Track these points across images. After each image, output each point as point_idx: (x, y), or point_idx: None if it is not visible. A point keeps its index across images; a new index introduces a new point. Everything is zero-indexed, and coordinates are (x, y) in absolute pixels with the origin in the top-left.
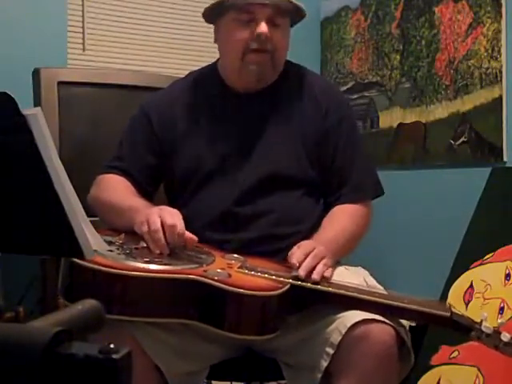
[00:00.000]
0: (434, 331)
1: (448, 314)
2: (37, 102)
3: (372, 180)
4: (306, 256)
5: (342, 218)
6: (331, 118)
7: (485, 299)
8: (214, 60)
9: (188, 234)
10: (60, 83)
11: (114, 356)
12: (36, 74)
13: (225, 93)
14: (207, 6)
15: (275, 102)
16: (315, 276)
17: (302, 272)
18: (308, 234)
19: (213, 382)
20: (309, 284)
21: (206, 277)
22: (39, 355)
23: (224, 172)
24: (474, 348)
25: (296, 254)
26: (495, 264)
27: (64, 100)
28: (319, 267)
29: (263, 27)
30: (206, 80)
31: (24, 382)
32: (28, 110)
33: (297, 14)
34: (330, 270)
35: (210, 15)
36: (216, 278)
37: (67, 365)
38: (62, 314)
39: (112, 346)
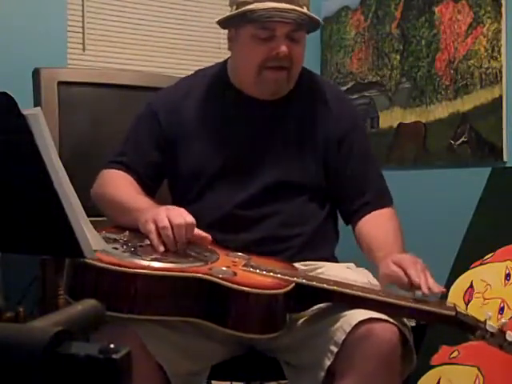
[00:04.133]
0: (434, 331)
1: (453, 314)
2: (37, 102)
3: (386, 186)
4: (417, 271)
5: (388, 224)
6: (344, 124)
7: (485, 299)
8: (214, 60)
9: (201, 232)
10: (60, 83)
11: (114, 356)
12: (36, 73)
13: (234, 95)
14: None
15: (286, 108)
16: (437, 290)
17: (427, 290)
18: (310, 236)
19: (213, 381)
20: (314, 282)
21: (211, 275)
22: (39, 355)
23: (230, 175)
24: (474, 348)
25: (412, 272)
26: (495, 264)
27: (64, 100)
28: (432, 281)
29: (283, 47)
30: (214, 80)
31: (24, 382)
32: (28, 110)
33: (313, 24)
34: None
35: (227, 23)
36: (221, 276)
37: (67, 365)
38: (62, 313)
39: (112, 345)
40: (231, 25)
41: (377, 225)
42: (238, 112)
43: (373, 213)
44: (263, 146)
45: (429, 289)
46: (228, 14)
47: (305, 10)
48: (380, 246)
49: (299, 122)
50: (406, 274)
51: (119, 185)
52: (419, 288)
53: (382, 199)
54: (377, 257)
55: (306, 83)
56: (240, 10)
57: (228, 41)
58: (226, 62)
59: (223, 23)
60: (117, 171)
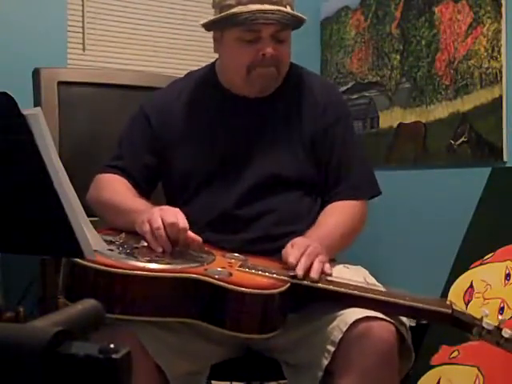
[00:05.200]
0: (434, 331)
1: (449, 311)
2: (37, 102)
3: (368, 180)
4: (302, 254)
5: (336, 214)
6: (328, 117)
7: (485, 299)
8: (214, 60)
9: (192, 235)
10: (60, 83)
11: (114, 356)
12: (36, 73)
13: (224, 95)
14: (209, 16)
15: (274, 104)
16: (314, 275)
17: (300, 272)
18: (306, 232)
19: (212, 381)
20: (310, 282)
21: (206, 275)
22: (39, 355)
23: (223, 174)
24: (474, 348)
25: (292, 252)
26: (495, 264)
27: (64, 100)
28: (316, 265)
29: (269, 48)
30: (204, 81)
31: (24, 382)
32: (28, 110)
33: (298, 22)
34: (328, 265)
35: (212, 26)
36: (217, 276)
37: (67, 365)
38: (62, 313)
39: (112, 345)
40: (216, 27)
41: (326, 215)
42: (227, 111)
43: (334, 203)
44: (253, 144)
45: (307, 272)
46: (212, 17)
47: (288, 9)
48: (311, 233)
49: (288, 117)
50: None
51: (115, 188)
52: (293, 268)
53: (353, 192)
54: None
55: (294, 79)
56: (224, 13)
57: (214, 42)
58: (214, 63)
59: (208, 26)
60: (112, 175)
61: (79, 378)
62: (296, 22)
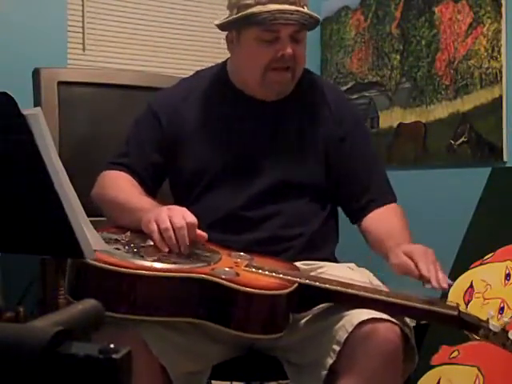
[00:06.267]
0: (434, 331)
1: (456, 313)
2: (37, 102)
3: (390, 184)
4: (429, 264)
5: (398, 218)
6: (345, 124)
7: (485, 299)
8: (214, 60)
9: (198, 231)
10: (60, 83)
11: (114, 356)
12: (36, 73)
13: (234, 96)
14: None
15: (286, 107)
16: (445, 285)
17: (437, 285)
18: (311, 236)
19: (213, 381)
20: (317, 283)
21: (213, 275)
22: (39, 355)
23: (232, 175)
24: (474, 348)
25: (422, 265)
26: (495, 264)
27: (64, 100)
28: (442, 274)
29: (288, 48)
30: (215, 81)
31: (24, 382)
32: (28, 110)
33: (314, 23)
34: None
35: (228, 26)
36: (224, 276)
37: (67, 365)
38: (62, 313)
39: (112, 345)
40: (232, 28)
41: (384, 219)
42: (238, 112)
43: (378, 209)
44: (264, 146)
45: (438, 282)
46: (230, 17)
47: (306, 9)
48: (389, 236)
49: (300, 121)
50: (416, 266)
51: (121, 185)
52: (429, 281)
53: (387, 196)
54: (386, 247)
55: (307, 83)
56: (243, 13)
57: (227, 43)
58: (225, 62)
59: (224, 26)
60: (118, 172)
61: (79, 378)
62: (313, 23)
